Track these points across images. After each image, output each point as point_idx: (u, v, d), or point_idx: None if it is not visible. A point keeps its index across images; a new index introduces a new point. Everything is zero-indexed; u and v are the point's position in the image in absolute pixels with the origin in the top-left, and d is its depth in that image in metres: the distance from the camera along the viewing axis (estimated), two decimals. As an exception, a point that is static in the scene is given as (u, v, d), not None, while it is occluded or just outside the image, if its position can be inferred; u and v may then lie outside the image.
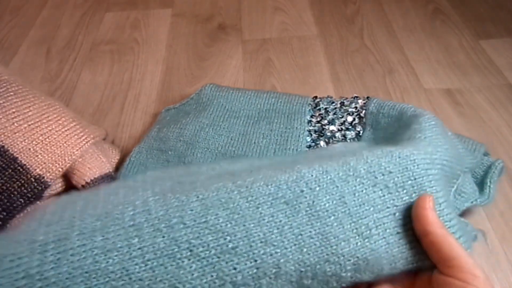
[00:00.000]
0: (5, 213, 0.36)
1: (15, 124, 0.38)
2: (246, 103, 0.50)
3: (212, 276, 0.24)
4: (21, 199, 0.37)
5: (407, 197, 0.29)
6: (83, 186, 0.39)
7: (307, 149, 0.44)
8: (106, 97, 0.58)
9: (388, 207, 0.28)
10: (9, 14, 0.74)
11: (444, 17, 0.68)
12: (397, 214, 0.28)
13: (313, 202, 0.27)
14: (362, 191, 0.28)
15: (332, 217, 0.27)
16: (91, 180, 0.40)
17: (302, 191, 0.27)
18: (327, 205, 0.27)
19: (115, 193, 0.27)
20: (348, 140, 0.44)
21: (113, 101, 0.57)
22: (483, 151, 0.43)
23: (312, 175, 0.28)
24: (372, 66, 0.60)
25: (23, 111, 0.39)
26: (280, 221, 0.26)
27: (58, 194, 0.41)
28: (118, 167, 0.45)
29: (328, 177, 0.28)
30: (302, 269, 0.26)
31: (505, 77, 0.57)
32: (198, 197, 0.26)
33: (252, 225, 0.25)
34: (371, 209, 0.28)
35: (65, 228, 0.24)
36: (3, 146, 0.37)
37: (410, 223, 0.28)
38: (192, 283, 0.24)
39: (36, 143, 0.38)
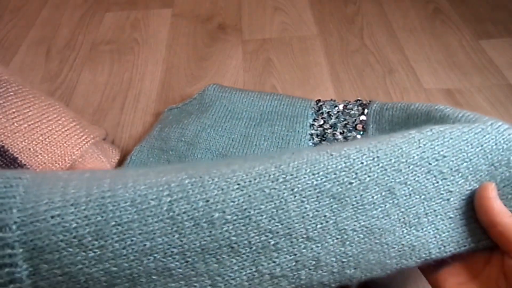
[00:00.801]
0: (5, 213, 0.36)
1: (15, 124, 0.38)
2: (248, 105, 0.49)
3: (251, 269, 0.24)
4: (21, 199, 0.37)
5: (462, 180, 0.27)
6: (83, 186, 0.39)
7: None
8: (106, 97, 0.58)
9: (441, 194, 0.27)
10: (9, 14, 0.74)
11: (444, 17, 0.68)
12: (451, 199, 0.27)
13: (361, 195, 0.25)
14: (414, 179, 0.27)
15: (379, 209, 0.26)
16: (91, 180, 0.40)
17: (351, 183, 0.25)
18: (375, 197, 0.26)
19: (145, 173, 0.25)
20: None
21: (113, 101, 0.57)
22: None
23: (362, 163, 0.26)
24: (372, 66, 0.60)
25: (23, 111, 0.39)
26: (325, 216, 0.25)
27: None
28: (118, 167, 0.45)
29: (380, 165, 0.26)
30: (344, 260, 0.25)
31: (505, 77, 0.57)
32: (239, 184, 0.24)
33: (295, 221, 0.24)
34: (422, 197, 0.27)
35: (97, 213, 0.22)
36: (3, 146, 0.37)
37: (465, 206, 0.27)
38: (231, 275, 0.23)
39: (36, 143, 0.38)
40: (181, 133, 0.46)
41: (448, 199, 0.27)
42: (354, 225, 0.25)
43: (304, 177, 0.25)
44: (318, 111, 0.48)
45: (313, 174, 0.25)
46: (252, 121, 0.48)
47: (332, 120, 0.46)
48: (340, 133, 0.45)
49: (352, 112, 0.46)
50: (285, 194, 0.24)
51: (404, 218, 0.26)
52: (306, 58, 0.62)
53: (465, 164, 0.27)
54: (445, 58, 0.60)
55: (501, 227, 0.26)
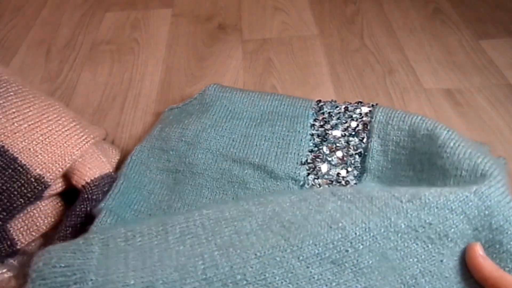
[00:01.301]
0: (5, 213, 0.36)
1: (15, 124, 0.38)
2: (249, 105, 0.49)
3: None
4: (21, 199, 0.37)
5: (452, 244, 0.31)
6: (83, 186, 0.39)
7: (309, 153, 0.44)
8: (106, 97, 0.58)
9: (433, 256, 0.30)
10: (9, 14, 0.74)
11: (444, 17, 0.68)
12: (444, 260, 0.30)
13: (358, 260, 0.29)
14: (404, 244, 0.30)
15: (376, 272, 0.29)
16: (91, 180, 0.40)
17: (347, 250, 0.30)
18: (370, 262, 0.29)
19: (183, 242, 0.31)
20: (352, 147, 0.44)
21: (113, 101, 0.57)
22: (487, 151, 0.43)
23: (356, 233, 0.30)
24: (372, 66, 0.60)
25: (23, 111, 0.39)
26: (328, 278, 0.29)
27: (58, 194, 0.41)
28: (118, 167, 0.45)
29: (371, 234, 0.30)
30: None
31: (505, 77, 0.57)
32: (256, 254, 0.29)
33: (303, 282, 0.28)
34: (415, 260, 0.30)
35: (149, 275, 0.28)
36: (3, 146, 0.37)
37: (459, 265, 0.31)
38: None
39: (36, 143, 0.38)
40: (182, 133, 0.46)
41: (441, 260, 0.30)
42: (356, 286, 0.29)
43: (308, 248, 0.29)
44: (319, 111, 0.48)
45: (315, 245, 0.30)
46: (253, 121, 0.48)
47: (333, 121, 0.46)
48: (342, 136, 0.45)
49: (354, 115, 0.46)
50: (293, 262, 0.29)
51: (401, 279, 0.30)
52: (306, 58, 0.62)
53: (452, 230, 0.31)
54: (445, 58, 0.60)
55: (492, 280, 0.29)
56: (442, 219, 0.31)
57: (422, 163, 0.39)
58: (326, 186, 0.42)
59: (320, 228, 0.30)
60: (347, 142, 0.44)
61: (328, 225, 0.30)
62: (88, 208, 0.39)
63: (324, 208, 0.33)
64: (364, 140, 0.44)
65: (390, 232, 0.30)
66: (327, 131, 0.46)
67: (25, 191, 0.37)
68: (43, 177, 0.38)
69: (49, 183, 0.38)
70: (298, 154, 0.44)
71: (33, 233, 0.39)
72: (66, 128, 0.40)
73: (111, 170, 0.42)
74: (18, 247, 0.38)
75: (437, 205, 0.31)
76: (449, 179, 0.35)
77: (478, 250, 0.30)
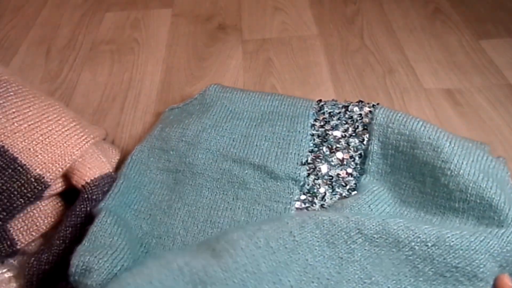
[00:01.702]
0: (5, 213, 0.36)
1: (15, 124, 0.38)
2: (249, 105, 0.49)
3: None
4: (21, 199, 0.37)
5: (483, 283, 0.32)
6: (83, 186, 0.39)
7: (309, 153, 0.44)
8: (106, 97, 0.58)
9: None
10: (9, 14, 0.74)
11: (444, 17, 0.68)
12: None
13: None
14: None
15: None
16: (91, 180, 0.40)
17: None
18: None
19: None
20: (352, 148, 0.44)
21: (113, 101, 0.57)
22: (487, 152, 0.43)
23: (389, 286, 0.32)
24: (372, 66, 0.60)
25: (23, 111, 0.39)
26: None
27: (58, 194, 0.41)
28: (118, 167, 0.45)
29: (403, 286, 0.32)
30: None
31: (505, 77, 0.57)
32: None
33: None
34: None
35: None
36: (3, 146, 0.37)
37: None
38: None
39: (36, 143, 0.38)
40: (182, 133, 0.46)
41: None
42: None
43: None
44: (319, 111, 0.48)
45: None
46: (253, 121, 0.48)
47: (333, 121, 0.46)
48: (342, 137, 0.45)
49: (354, 116, 0.46)
50: None
51: None
52: (306, 58, 0.62)
53: (481, 270, 0.32)
54: (445, 58, 0.60)
55: None
56: (468, 261, 0.32)
57: (423, 174, 0.38)
58: (345, 205, 0.41)
59: (355, 283, 0.32)
60: (348, 143, 0.44)
61: (362, 280, 0.32)
62: (88, 208, 0.39)
63: (353, 257, 0.34)
64: (365, 142, 0.44)
65: (420, 281, 0.32)
66: (327, 132, 0.46)
67: (25, 191, 0.37)
68: (43, 177, 0.38)
69: (49, 183, 0.38)
70: (299, 155, 0.44)
71: (33, 233, 0.39)
72: (66, 128, 0.40)
73: (111, 170, 0.42)
74: (18, 247, 0.38)
75: (461, 247, 0.32)
76: (454, 202, 0.36)
77: (507, 280, 0.32)
